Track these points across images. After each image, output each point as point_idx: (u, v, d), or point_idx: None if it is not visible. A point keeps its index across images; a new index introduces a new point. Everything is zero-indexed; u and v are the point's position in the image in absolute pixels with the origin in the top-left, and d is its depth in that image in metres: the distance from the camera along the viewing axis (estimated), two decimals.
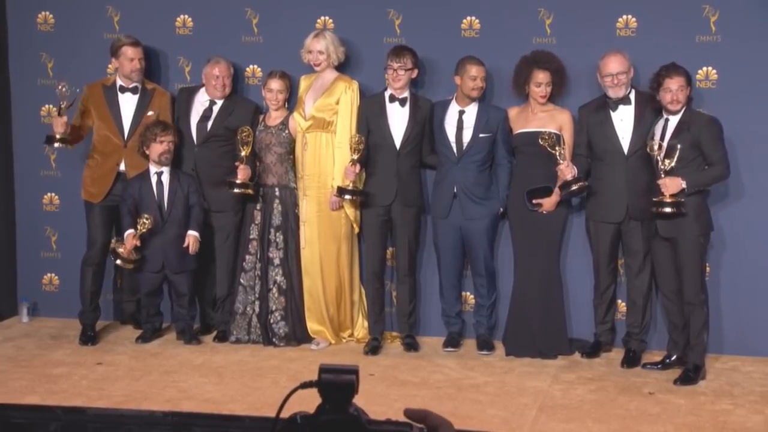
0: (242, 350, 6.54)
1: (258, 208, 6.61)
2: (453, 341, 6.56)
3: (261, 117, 6.60)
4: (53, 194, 7.29)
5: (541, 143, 6.05)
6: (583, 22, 6.45)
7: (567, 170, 6.08)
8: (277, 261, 6.60)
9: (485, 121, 6.37)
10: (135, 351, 6.53)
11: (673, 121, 5.94)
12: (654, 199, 5.84)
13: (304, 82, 6.64)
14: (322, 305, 6.61)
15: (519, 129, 6.35)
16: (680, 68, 5.90)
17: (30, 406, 5.44)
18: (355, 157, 6.21)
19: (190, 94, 6.73)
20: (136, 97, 6.63)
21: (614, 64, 6.07)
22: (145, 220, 6.37)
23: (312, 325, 6.64)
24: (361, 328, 6.75)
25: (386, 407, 5.41)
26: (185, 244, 6.53)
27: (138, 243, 6.44)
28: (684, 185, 5.80)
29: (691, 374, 5.88)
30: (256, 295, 6.61)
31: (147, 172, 6.55)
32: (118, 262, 6.54)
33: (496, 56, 6.44)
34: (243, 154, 6.39)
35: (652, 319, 6.35)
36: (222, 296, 6.73)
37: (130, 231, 6.45)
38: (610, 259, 6.33)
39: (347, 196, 6.32)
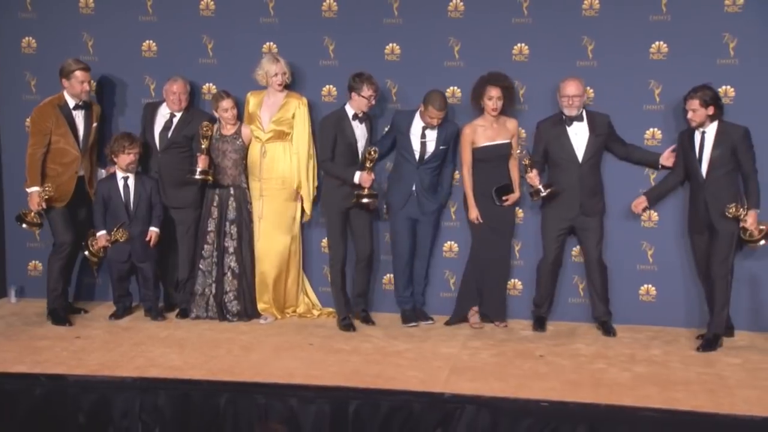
0: (201, 325, 6.51)
1: (215, 204, 6.58)
2: (409, 317, 6.55)
3: (216, 127, 6.56)
4: None
5: (516, 157, 6.21)
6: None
7: (536, 178, 6.17)
8: (231, 249, 6.60)
9: (444, 136, 6.37)
10: (108, 326, 6.48)
11: (710, 132, 5.95)
12: (743, 237, 5.89)
13: (253, 99, 6.61)
14: (271, 286, 6.64)
15: (482, 143, 6.32)
16: (698, 91, 5.89)
17: (18, 374, 5.40)
18: (369, 165, 6.21)
19: (153, 108, 6.69)
20: (83, 112, 6.56)
21: (571, 88, 6.15)
22: (121, 234, 6.45)
23: (261, 304, 6.66)
24: (302, 304, 6.78)
25: (323, 371, 5.46)
26: (147, 238, 6.57)
27: (108, 246, 6.50)
28: (757, 212, 5.88)
29: (713, 341, 5.95)
30: (213, 279, 6.61)
31: (114, 176, 6.55)
32: (87, 254, 6.60)
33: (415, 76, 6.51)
34: (203, 146, 6.39)
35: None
36: (183, 279, 6.73)
37: (104, 233, 6.48)
38: (559, 251, 6.39)
39: (365, 200, 6.29)
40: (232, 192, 6.59)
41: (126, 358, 5.70)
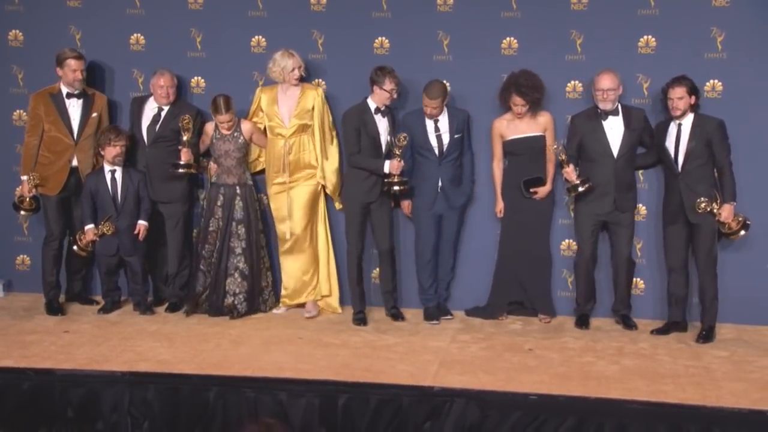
0: (189, 319, 6.50)
1: (219, 204, 6.50)
2: (431, 314, 6.47)
3: (213, 125, 6.47)
4: None
5: (552, 152, 6.12)
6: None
7: (572, 173, 6.10)
8: (239, 250, 6.51)
9: (456, 124, 6.32)
10: (97, 320, 6.46)
11: (686, 124, 5.96)
12: (722, 230, 5.90)
13: (265, 95, 6.54)
14: (300, 277, 6.60)
15: (511, 136, 6.30)
16: (682, 80, 5.91)
17: (6, 368, 5.38)
18: (399, 153, 6.15)
19: (141, 102, 6.65)
20: (81, 101, 6.54)
21: (605, 82, 6.08)
22: (108, 227, 6.44)
23: (297, 296, 6.62)
24: (335, 297, 6.73)
25: (312, 365, 5.47)
26: (135, 231, 6.55)
27: (96, 239, 6.47)
28: (733, 205, 5.88)
29: (708, 333, 6.00)
30: (212, 279, 6.52)
31: (102, 169, 6.51)
32: (75, 248, 6.57)
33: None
34: (185, 138, 6.35)
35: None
36: (173, 273, 6.70)
37: (92, 226, 6.46)
38: (593, 248, 6.33)
39: (396, 188, 6.22)
40: (238, 191, 6.51)
41: (115, 352, 5.69)
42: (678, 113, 5.95)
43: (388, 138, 6.30)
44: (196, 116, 6.58)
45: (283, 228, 6.56)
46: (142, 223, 6.58)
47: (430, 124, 6.31)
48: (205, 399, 5.17)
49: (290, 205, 6.51)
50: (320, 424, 5.06)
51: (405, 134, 6.17)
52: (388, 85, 6.23)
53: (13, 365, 5.40)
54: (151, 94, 6.62)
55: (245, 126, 6.50)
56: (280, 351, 5.74)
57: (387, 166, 6.21)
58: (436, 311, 6.52)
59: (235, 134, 6.46)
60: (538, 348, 5.84)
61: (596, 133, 6.18)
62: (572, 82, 6.50)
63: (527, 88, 6.17)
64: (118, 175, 6.51)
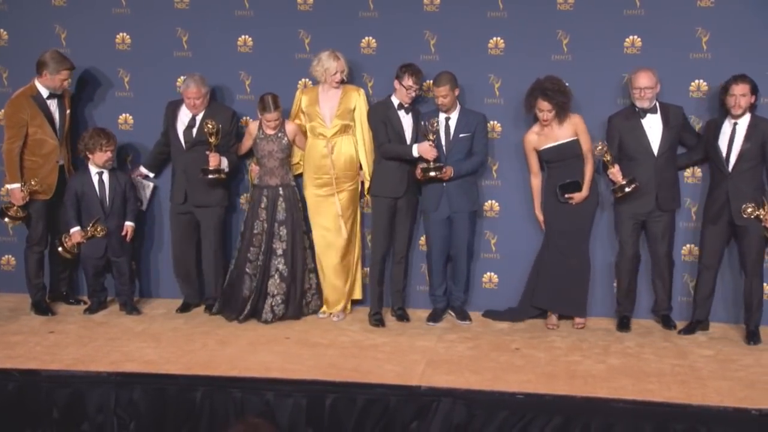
0: (176, 318, 6.49)
1: (263, 206, 6.43)
2: (436, 316, 6.48)
3: (257, 125, 6.42)
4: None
5: (596, 154, 6.02)
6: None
7: (618, 174, 6.03)
8: (280, 251, 6.44)
9: (464, 123, 6.28)
10: (83, 321, 6.43)
11: (742, 125, 5.89)
12: (766, 236, 5.87)
13: (306, 96, 6.50)
14: (347, 277, 6.58)
15: (544, 145, 6.22)
16: (746, 78, 5.84)
17: None
18: (432, 138, 6.10)
19: (175, 107, 6.57)
20: (56, 100, 6.52)
21: (643, 80, 6.02)
22: (99, 230, 6.41)
23: (334, 297, 6.57)
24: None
25: (299, 365, 5.47)
26: (123, 233, 6.53)
27: (84, 242, 6.45)
28: None
29: (756, 333, 5.98)
30: (257, 281, 6.42)
31: (87, 171, 6.48)
32: (60, 250, 6.53)
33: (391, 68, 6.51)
34: (212, 142, 6.28)
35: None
36: (209, 277, 6.65)
37: (78, 229, 6.44)
38: (635, 249, 6.26)
39: (432, 173, 6.16)
40: (281, 192, 6.45)
41: (101, 352, 5.67)
42: (740, 111, 5.86)
43: (423, 123, 6.18)
44: (231, 118, 6.53)
45: (332, 231, 6.49)
46: (129, 224, 6.56)
47: (442, 121, 6.28)
48: (191, 399, 5.16)
49: (340, 207, 6.46)
50: (307, 424, 5.07)
51: (436, 119, 6.14)
52: (407, 81, 6.21)
53: None
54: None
55: (289, 127, 6.44)
56: (267, 351, 5.74)
57: (415, 150, 6.19)
58: (440, 314, 6.50)
59: (279, 134, 6.39)
60: (525, 347, 5.85)
61: (635, 131, 6.11)
62: None
63: (553, 92, 6.09)
64: (106, 177, 6.48)
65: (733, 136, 5.92)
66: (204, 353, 5.67)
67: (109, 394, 5.19)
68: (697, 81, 6.36)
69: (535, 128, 6.28)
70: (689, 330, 6.16)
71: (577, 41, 6.48)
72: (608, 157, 6.01)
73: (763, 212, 5.81)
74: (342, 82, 6.44)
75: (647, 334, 6.19)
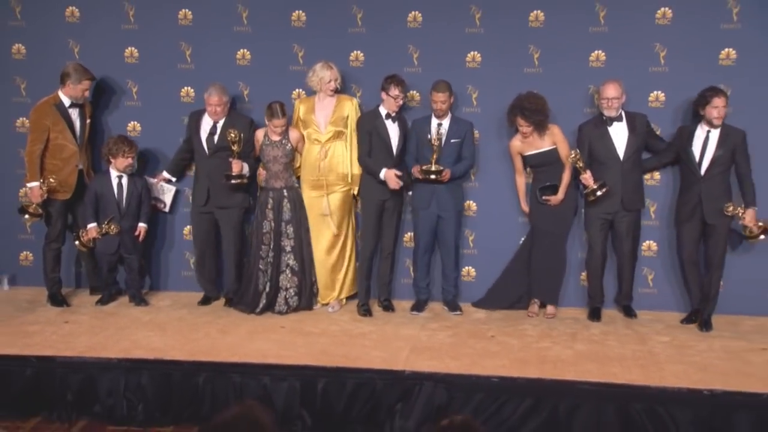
0: (181, 309, 6.48)
1: (270, 207, 6.42)
2: (419, 306, 6.51)
3: (263, 132, 6.41)
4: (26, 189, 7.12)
5: (570, 161, 6.04)
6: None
7: (590, 179, 6.05)
8: (288, 248, 6.45)
9: (455, 129, 6.29)
10: (95, 312, 6.42)
11: (715, 132, 5.91)
12: (743, 234, 5.94)
13: (303, 105, 6.48)
14: (341, 276, 6.56)
15: (528, 152, 6.25)
16: (722, 91, 5.86)
17: (10, 356, 5.34)
18: (435, 150, 6.09)
19: (198, 116, 6.54)
20: (77, 110, 6.52)
21: (610, 91, 6.06)
22: (113, 228, 6.40)
23: (329, 293, 6.56)
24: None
25: (294, 351, 5.46)
26: (136, 233, 6.55)
27: (99, 238, 6.44)
28: (755, 210, 5.90)
29: (709, 321, 6.04)
30: (269, 277, 6.43)
31: (108, 174, 6.47)
32: (77, 243, 6.52)
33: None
34: (235, 150, 6.26)
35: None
36: (231, 272, 6.64)
37: (94, 225, 6.43)
38: (603, 246, 6.28)
39: (433, 176, 6.16)
40: (285, 194, 6.44)
41: (111, 340, 5.66)
42: (718, 122, 5.88)
43: (429, 137, 6.15)
44: (249, 126, 6.51)
45: (322, 227, 6.47)
46: (142, 225, 6.59)
47: (434, 127, 6.28)
48: (194, 383, 5.16)
49: (329, 206, 6.45)
50: (301, 405, 5.07)
51: (438, 137, 6.11)
52: (393, 91, 6.21)
53: (17, 353, 5.36)
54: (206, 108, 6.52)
55: (293, 134, 6.44)
56: (264, 339, 5.74)
57: (383, 174, 6.24)
58: (423, 305, 6.52)
59: (284, 141, 6.38)
60: (500, 335, 5.87)
61: (603, 138, 6.14)
62: None
63: (530, 112, 6.10)
64: (125, 181, 6.49)
65: (706, 143, 5.94)
66: (206, 341, 5.67)
67: (118, 378, 5.19)
68: (655, 92, 6.40)
69: (519, 136, 6.30)
70: (690, 320, 6.18)
71: (547, 55, 6.51)
72: (581, 164, 6.03)
73: (741, 210, 5.85)
74: (336, 90, 6.44)
75: (611, 323, 6.22)
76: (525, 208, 6.44)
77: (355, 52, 6.73)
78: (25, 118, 6.88)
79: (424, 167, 6.19)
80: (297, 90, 6.74)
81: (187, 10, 6.86)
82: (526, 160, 6.34)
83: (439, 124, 6.29)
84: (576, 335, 5.89)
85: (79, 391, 5.21)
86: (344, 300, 6.65)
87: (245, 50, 6.82)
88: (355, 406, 5.03)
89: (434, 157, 6.13)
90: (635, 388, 4.88)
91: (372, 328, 6.03)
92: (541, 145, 6.24)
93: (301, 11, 6.75)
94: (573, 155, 6.03)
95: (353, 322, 6.21)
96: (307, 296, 6.51)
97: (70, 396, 5.20)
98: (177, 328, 5.98)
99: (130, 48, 6.92)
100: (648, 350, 5.55)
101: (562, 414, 4.85)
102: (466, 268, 6.75)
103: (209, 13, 6.84)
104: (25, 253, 7.20)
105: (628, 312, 6.37)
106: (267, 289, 6.42)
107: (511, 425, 4.88)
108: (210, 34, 6.84)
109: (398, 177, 6.21)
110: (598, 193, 6.07)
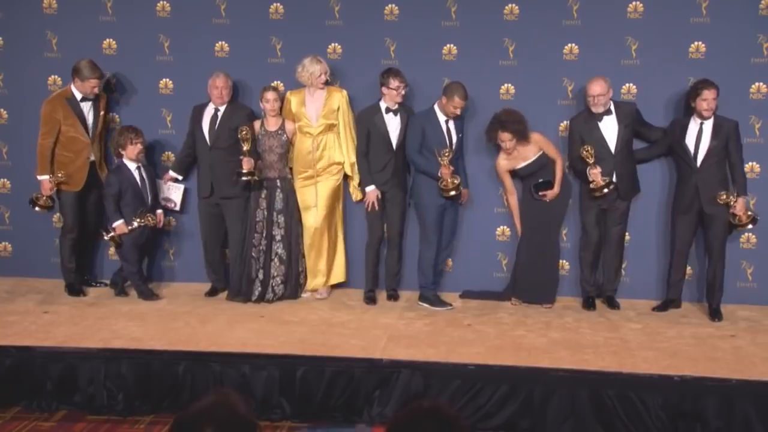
0: (160, 300, 6.45)
1: (263, 196, 6.42)
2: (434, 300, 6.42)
3: (260, 122, 6.40)
4: (5, 180, 7.04)
5: (583, 156, 5.99)
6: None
7: (599, 175, 6.00)
8: (278, 237, 6.45)
9: (460, 125, 6.28)
10: (75, 302, 6.36)
11: (708, 124, 5.90)
12: (732, 222, 5.90)
13: (294, 98, 6.45)
14: (325, 264, 6.54)
15: (516, 166, 6.19)
16: (713, 83, 5.84)
17: None
18: (446, 162, 6.03)
19: (200, 109, 6.52)
20: (91, 103, 6.47)
21: (595, 88, 6.03)
22: (150, 219, 6.35)
23: (317, 280, 6.55)
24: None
25: (273, 340, 5.46)
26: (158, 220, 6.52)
27: (127, 233, 6.34)
28: (746, 199, 5.90)
29: (719, 311, 6.03)
30: (261, 265, 6.43)
31: (124, 167, 6.36)
32: (107, 238, 6.36)
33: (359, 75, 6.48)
34: (245, 148, 6.23)
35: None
36: (234, 260, 6.58)
37: (122, 222, 6.31)
38: (599, 233, 6.26)
39: (452, 193, 6.11)
40: (278, 184, 6.43)
41: (91, 330, 5.62)
42: (710, 114, 5.89)
43: (436, 150, 6.09)
44: (250, 115, 6.49)
45: (308, 216, 6.49)
46: (160, 212, 6.56)
47: (442, 123, 6.23)
48: (174, 372, 5.14)
49: (316, 196, 6.45)
50: (280, 393, 5.07)
51: (447, 149, 6.07)
52: (393, 83, 6.19)
53: None
54: (208, 102, 6.48)
55: (289, 126, 6.42)
56: (244, 328, 5.73)
57: (368, 188, 6.31)
58: (437, 298, 6.44)
59: (279, 132, 6.38)
60: (476, 323, 5.89)
61: (594, 133, 6.11)
62: (505, 85, 6.56)
63: (509, 122, 6.07)
64: (144, 173, 6.41)
65: (700, 135, 5.95)
66: (186, 330, 5.65)
67: (98, 368, 5.15)
68: (627, 84, 6.43)
69: (503, 154, 6.27)
70: (663, 308, 6.21)
71: (522, 48, 6.52)
72: (591, 159, 6.01)
73: (733, 199, 5.87)
74: (326, 83, 6.42)
75: (583, 311, 6.27)
76: (519, 227, 6.38)
77: (332, 44, 6.71)
78: (3, 110, 6.78)
79: (443, 186, 6.12)
80: (275, 82, 6.69)
81: (165, 2, 6.80)
82: (518, 173, 6.29)
83: (447, 121, 6.24)
84: (550, 323, 5.92)
85: (59, 381, 5.16)
86: (330, 288, 6.65)
87: (223, 42, 6.78)
88: (334, 394, 5.03)
89: (447, 163, 6.02)
90: (607, 375, 4.92)
91: (350, 317, 6.03)
92: (528, 155, 6.21)
93: (279, 4, 6.72)
94: (586, 150, 6.01)
95: (331, 311, 6.20)
96: (293, 285, 6.50)
97: (50, 386, 5.16)
98: (156, 318, 5.95)
99: (108, 39, 6.85)
100: (620, 337, 5.59)
101: (537, 400, 4.88)
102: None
103: (187, 5, 6.79)
104: (3, 243, 7.12)
105: (612, 303, 6.34)
106: (261, 276, 6.42)
107: (487, 411, 4.90)
108: (188, 26, 6.78)
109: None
110: (605, 190, 6.05)
